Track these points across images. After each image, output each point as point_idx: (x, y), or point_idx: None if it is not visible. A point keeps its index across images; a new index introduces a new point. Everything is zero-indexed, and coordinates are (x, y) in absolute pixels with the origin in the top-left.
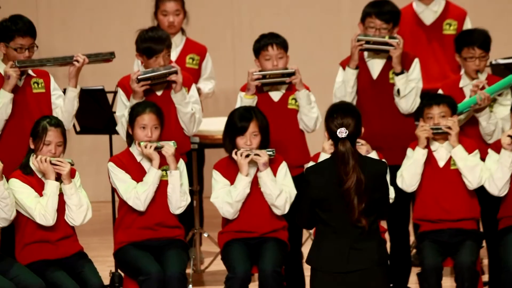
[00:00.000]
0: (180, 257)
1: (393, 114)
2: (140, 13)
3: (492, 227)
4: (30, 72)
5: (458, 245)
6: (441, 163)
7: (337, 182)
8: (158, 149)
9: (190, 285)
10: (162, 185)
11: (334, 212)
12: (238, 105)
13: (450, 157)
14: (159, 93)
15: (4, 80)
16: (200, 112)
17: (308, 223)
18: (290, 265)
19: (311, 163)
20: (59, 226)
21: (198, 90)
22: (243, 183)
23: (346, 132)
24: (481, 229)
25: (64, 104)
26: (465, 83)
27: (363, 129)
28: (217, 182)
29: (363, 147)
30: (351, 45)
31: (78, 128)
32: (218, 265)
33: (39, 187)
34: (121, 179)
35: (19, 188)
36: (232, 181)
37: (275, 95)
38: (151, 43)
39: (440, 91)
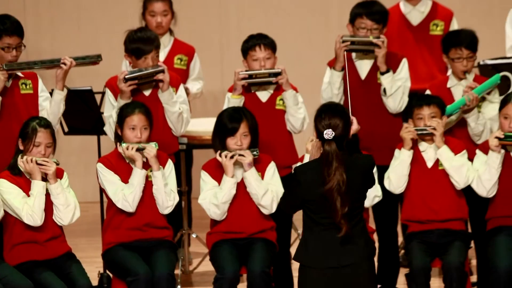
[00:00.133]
0: (169, 258)
1: (381, 115)
2: (128, 13)
3: (481, 228)
4: (18, 72)
5: (446, 246)
6: (430, 164)
7: (321, 183)
8: (140, 151)
9: (179, 286)
10: (150, 186)
11: (322, 211)
12: (225, 106)
13: (438, 158)
14: (146, 93)
15: None
16: (188, 112)
17: (292, 209)
18: (278, 265)
19: (299, 164)
20: (47, 226)
21: (186, 90)
22: (228, 184)
23: (332, 134)
24: (469, 230)
25: (50, 107)
26: (453, 84)
27: (355, 121)
28: (205, 183)
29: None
30: (335, 46)
31: (66, 129)
32: (207, 266)
33: (27, 188)
34: (110, 181)
35: (7, 189)
36: (220, 182)
37: (263, 96)
38: (139, 43)
39: (427, 92)
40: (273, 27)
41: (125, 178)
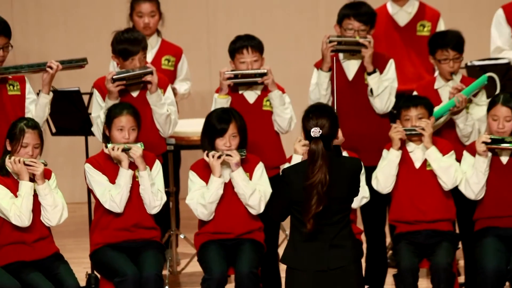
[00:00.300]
0: (156, 259)
1: (368, 115)
2: (116, 14)
3: (468, 229)
4: None
5: (434, 247)
6: (417, 164)
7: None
8: (125, 151)
9: (167, 287)
10: (138, 187)
11: None
12: (213, 106)
13: (426, 158)
14: (134, 94)
15: None
16: (175, 114)
17: (281, 216)
18: (266, 266)
19: (287, 165)
20: (35, 227)
21: (174, 90)
22: (215, 185)
23: (319, 132)
24: (457, 231)
25: (35, 110)
26: (440, 85)
27: (340, 133)
28: (193, 183)
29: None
30: (322, 47)
31: (53, 130)
32: (195, 267)
33: (15, 188)
34: (98, 181)
35: None
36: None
37: (250, 97)
38: (127, 44)
39: (415, 93)
40: (261, 27)
41: (113, 179)
